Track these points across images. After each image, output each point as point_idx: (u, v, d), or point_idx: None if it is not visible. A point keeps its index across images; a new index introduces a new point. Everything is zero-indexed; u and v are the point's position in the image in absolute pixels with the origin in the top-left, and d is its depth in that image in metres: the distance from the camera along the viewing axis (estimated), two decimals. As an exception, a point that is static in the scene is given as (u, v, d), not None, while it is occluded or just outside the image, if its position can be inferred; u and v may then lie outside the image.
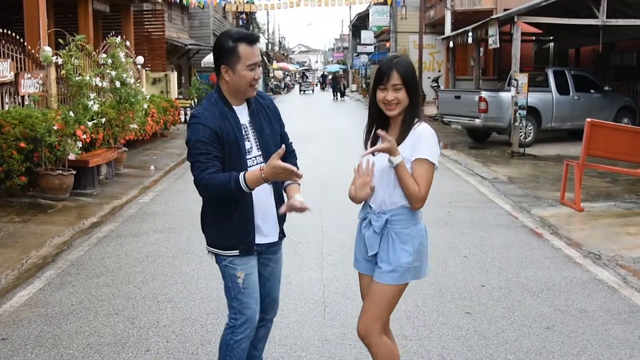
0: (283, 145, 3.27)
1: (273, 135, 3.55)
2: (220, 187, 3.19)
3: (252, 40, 3.36)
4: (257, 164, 3.41)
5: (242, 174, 3.20)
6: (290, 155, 3.66)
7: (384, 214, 3.37)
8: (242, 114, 3.46)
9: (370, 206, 3.45)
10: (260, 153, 3.46)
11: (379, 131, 3.30)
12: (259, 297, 3.59)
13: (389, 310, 3.48)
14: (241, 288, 3.49)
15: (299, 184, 3.53)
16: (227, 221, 3.42)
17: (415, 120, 3.36)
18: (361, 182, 3.34)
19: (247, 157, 3.41)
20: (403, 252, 3.35)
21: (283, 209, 3.44)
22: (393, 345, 3.57)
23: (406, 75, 3.29)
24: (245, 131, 3.43)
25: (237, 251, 3.45)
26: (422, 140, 3.31)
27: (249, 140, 3.43)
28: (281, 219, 3.62)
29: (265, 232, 3.54)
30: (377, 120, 3.43)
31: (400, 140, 3.32)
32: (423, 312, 5.40)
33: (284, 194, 3.58)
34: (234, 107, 3.44)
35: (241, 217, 3.41)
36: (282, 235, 3.68)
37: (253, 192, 3.29)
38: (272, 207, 3.55)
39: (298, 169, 3.29)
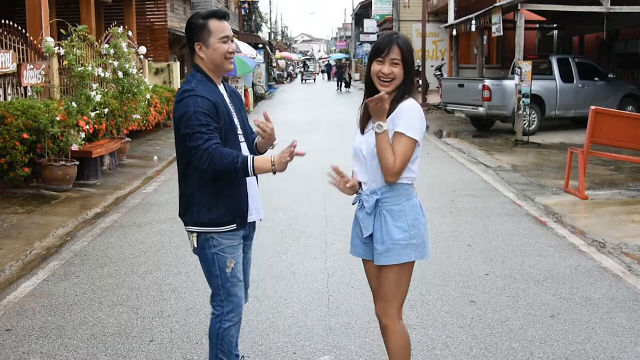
0: (295, 141, 3.28)
1: (246, 119, 3.67)
2: (226, 161, 3.19)
3: (222, 15, 3.47)
4: (242, 141, 3.50)
5: (250, 157, 3.24)
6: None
7: (375, 194, 3.34)
8: (224, 93, 3.55)
9: (361, 188, 3.44)
10: (241, 132, 3.53)
11: (368, 100, 3.28)
12: (243, 284, 3.64)
13: (399, 290, 3.42)
14: (229, 277, 3.51)
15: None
16: (225, 195, 3.42)
17: (405, 97, 3.32)
18: (343, 185, 3.42)
19: (237, 131, 3.48)
20: (395, 228, 3.31)
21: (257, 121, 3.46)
22: (407, 333, 3.54)
23: (405, 51, 3.27)
24: (231, 109, 3.51)
25: (234, 225, 3.46)
26: (404, 114, 3.25)
27: (235, 118, 3.51)
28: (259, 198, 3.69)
29: (254, 210, 3.58)
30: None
31: (387, 115, 3.27)
32: (427, 301, 5.39)
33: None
34: (217, 85, 3.52)
35: (238, 191, 3.46)
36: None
37: None
38: (255, 184, 3.61)
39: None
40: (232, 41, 3.53)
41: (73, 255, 6.87)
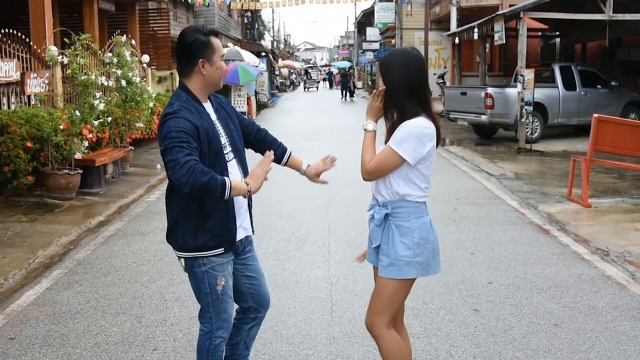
0: (270, 152, 3.33)
1: (237, 131, 3.59)
2: (206, 177, 3.06)
3: (218, 33, 3.47)
4: (231, 159, 3.44)
5: (228, 181, 3.14)
6: (265, 132, 3.84)
7: (386, 208, 3.37)
8: (210, 110, 3.47)
9: (376, 199, 3.47)
10: (231, 148, 3.47)
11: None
12: (233, 300, 3.59)
13: (392, 304, 3.44)
14: (219, 294, 3.46)
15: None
16: (212, 220, 3.35)
17: (415, 115, 3.31)
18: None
19: (224, 152, 3.41)
20: (401, 244, 3.33)
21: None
22: (403, 341, 3.54)
23: (382, 63, 3.35)
24: (217, 128, 3.42)
25: (222, 249, 3.41)
26: (401, 129, 3.29)
27: (222, 136, 3.43)
28: (250, 213, 3.65)
29: (242, 228, 3.54)
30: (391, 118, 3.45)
31: (390, 134, 3.35)
32: (430, 310, 5.39)
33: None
34: (202, 104, 3.43)
35: (224, 214, 3.39)
36: (252, 230, 3.70)
37: None
38: (245, 202, 3.56)
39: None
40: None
41: (76, 264, 6.87)
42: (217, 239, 3.38)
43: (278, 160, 3.77)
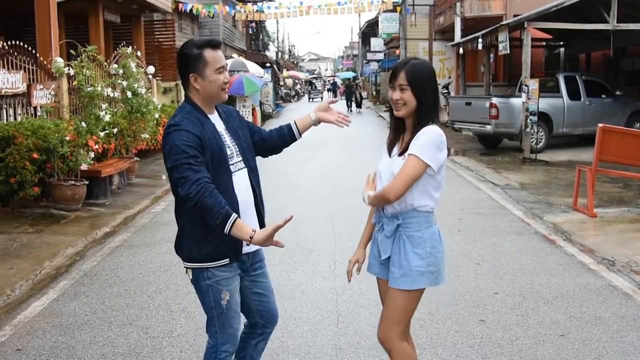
0: (290, 216, 3.19)
1: (246, 141, 3.57)
2: (212, 203, 3.07)
3: (216, 44, 3.37)
4: (239, 169, 3.42)
5: (234, 217, 3.12)
6: (274, 132, 3.83)
7: (396, 219, 3.36)
8: (217, 121, 3.45)
9: (382, 210, 3.45)
10: (240, 158, 3.46)
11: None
12: (240, 315, 3.56)
13: (406, 315, 3.45)
14: (224, 309, 3.44)
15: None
16: (218, 231, 3.24)
17: (429, 123, 3.32)
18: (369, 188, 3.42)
19: (230, 162, 3.38)
20: (414, 255, 3.32)
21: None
22: (413, 351, 3.54)
23: (412, 76, 3.26)
24: (223, 138, 3.40)
25: (227, 259, 3.38)
26: (420, 137, 3.26)
27: (229, 147, 3.41)
28: (263, 223, 3.57)
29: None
30: (395, 125, 3.44)
31: (409, 143, 3.30)
32: (437, 320, 5.38)
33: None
34: (208, 115, 3.42)
35: None
36: None
37: (239, 199, 3.34)
38: (254, 215, 3.51)
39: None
40: (226, 70, 3.44)
41: (83, 275, 6.89)
42: (222, 249, 3.35)
43: (294, 137, 3.79)
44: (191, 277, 3.49)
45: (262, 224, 3.54)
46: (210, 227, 3.25)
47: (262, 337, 3.77)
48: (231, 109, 3.69)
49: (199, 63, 3.31)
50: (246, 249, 3.46)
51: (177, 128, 3.22)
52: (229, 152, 3.38)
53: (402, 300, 3.39)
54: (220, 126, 3.44)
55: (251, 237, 3.13)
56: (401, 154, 3.33)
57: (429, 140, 3.25)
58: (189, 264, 3.44)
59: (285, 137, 3.80)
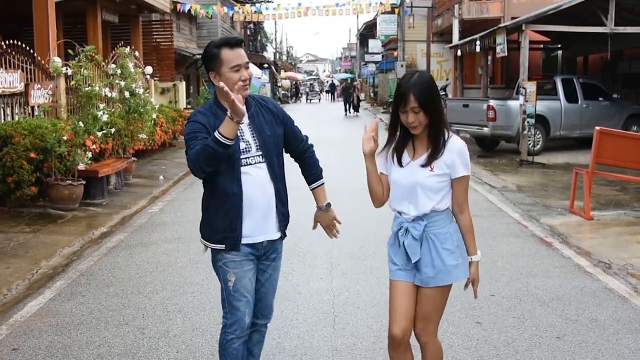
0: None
1: (273, 137, 3.64)
2: (201, 150, 3.27)
3: (233, 44, 3.51)
4: (254, 163, 3.52)
5: (216, 133, 3.24)
6: (308, 155, 3.88)
7: (421, 220, 3.43)
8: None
9: (401, 214, 3.51)
10: (260, 153, 3.55)
11: None
12: (250, 301, 3.64)
13: (440, 310, 3.59)
14: (231, 290, 3.58)
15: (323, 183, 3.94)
16: (214, 216, 3.54)
17: (447, 135, 3.41)
18: (367, 137, 3.43)
19: (242, 156, 3.49)
20: (445, 251, 3.42)
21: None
22: (441, 347, 3.71)
23: (422, 97, 3.30)
24: (240, 132, 3.48)
25: (223, 245, 3.54)
26: (461, 156, 3.42)
27: (243, 140, 3.50)
28: (283, 217, 3.69)
29: (260, 230, 3.58)
30: (403, 135, 3.48)
31: (434, 157, 3.39)
32: (433, 322, 5.38)
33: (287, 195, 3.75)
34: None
35: (227, 213, 3.50)
36: (283, 235, 3.74)
37: (245, 190, 3.46)
38: (271, 204, 3.60)
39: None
40: (247, 67, 3.54)
41: (79, 275, 6.89)
42: (220, 236, 3.54)
43: (310, 182, 3.93)
44: (211, 256, 3.70)
45: (282, 217, 3.68)
46: (209, 212, 3.56)
47: (255, 328, 3.83)
48: (270, 103, 3.76)
49: (216, 62, 3.48)
50: (258, 238, 3.58)
51: (189, 120, 3.55)
52: (243, 146, 3.50)
53: (440, 297, 3.52)
54: (244, 120, 3.50)
55: (231, 118, 3.20)
56: (425, 165, 3.41)
57: (468, 155, 3.47)
58: (204, 241, 3.65)
59: (306, 176, 3.93)
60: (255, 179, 3.50)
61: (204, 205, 3.63)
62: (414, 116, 3.32)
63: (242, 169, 3.48)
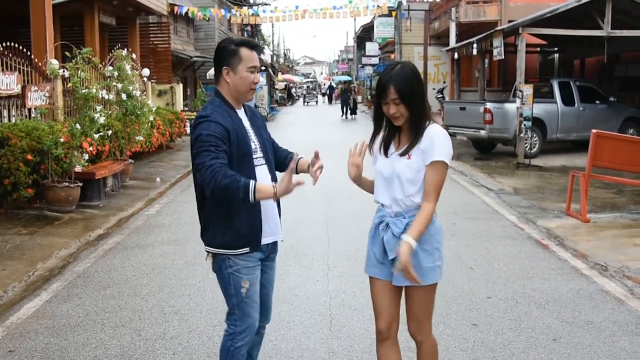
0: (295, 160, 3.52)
1: (267, 140, 3.73)
2: (228, 180, 3.20)
3: (253, 45, 3.55)
4: (261, 164, 3.56)
5: (253, 182, 3.24)
6: (282, 151, 3.90)
7: (403, 217, 3.40)
8: (243, 117, 3.60)
9: (384, 208, 3.48)
10: (261, 154, 3.59)
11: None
12: (259, 305, 3.66)
13: (430, 309, 3.59)
14: (244, 297, 3.55)
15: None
16: (238, 220, 3.47)
17: (427, 124, 3.38)
18: (351, 163, 3.50)
19: (254, 156, 3.53)
20: (423, 252, 3.39)
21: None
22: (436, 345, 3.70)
23: (402, 89, 3.30)
24: (249, 133, 3.55)
25: (247, 248, 3.50)
26: (436, 141, 3.34)
27: (253, 142, 3.55)
28: (280, 218, 3.74)
29: (269, 232, 3.61)
30: (389, 127, 3.48)
31: (412, 145, 3.36)
32: (429, 324, 5.38)
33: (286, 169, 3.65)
34: (236, 110, 3.57)
35: (250, 215, 3.49)
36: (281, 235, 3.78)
37: None
38: (274, 206, 3.65)
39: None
40: (259, 72, 3.59)
41: (76, 277, 6.88)
42: (244, 239, 3.49)
43: (290, 161, 3.77)
44: (213, 264, 3.61)
45: (280, 218, 3.74)
46: (231, 215, 3.44)
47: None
48: (255, 111, 3.83)
49: (234, 58, 3.48)
50: (266, 239, 3.59)
51: (206, 119, 3.39)
52: (253, 147, 3.53)
53: (422, 297, 3.52)
54: (246, 122, 3.59)
55: (275, 193, 3.26)
56: (403, 153, 3.39)
57: (446, 143, 3.36)
58: (211, 248, 3.56)
59: (281, 164, 3.84)
60: (263, 180, 3.52)
61: (218, 212, 3.48)
62: (395, 107, 3.32)
63: (255, 168, 3.53)
